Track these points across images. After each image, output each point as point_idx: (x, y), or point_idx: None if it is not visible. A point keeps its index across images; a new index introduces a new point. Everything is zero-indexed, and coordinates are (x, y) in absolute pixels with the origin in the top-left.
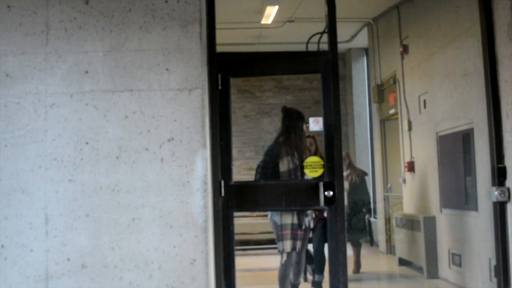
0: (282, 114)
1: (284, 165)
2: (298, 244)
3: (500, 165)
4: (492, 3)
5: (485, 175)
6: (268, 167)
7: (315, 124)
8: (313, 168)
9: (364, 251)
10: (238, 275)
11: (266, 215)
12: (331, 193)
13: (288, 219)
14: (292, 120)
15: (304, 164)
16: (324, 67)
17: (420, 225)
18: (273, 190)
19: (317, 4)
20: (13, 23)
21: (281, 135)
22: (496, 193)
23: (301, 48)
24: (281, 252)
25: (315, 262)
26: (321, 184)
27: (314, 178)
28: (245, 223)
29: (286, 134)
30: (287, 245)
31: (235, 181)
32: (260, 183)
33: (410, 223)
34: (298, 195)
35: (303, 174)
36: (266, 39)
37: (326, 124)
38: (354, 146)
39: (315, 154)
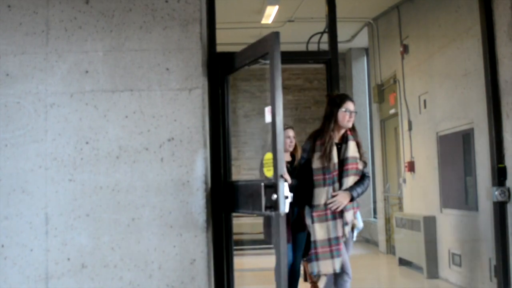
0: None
1: (315, 162)
2: (339, 262)
3: (500, 165)
4: (492, 3)
5: (485, 175)
6: (304, 166)
7: (269, 114)
8: (269, 166)
9: (364, 250)
10: (238, 275)
11: None
12: (275, 196)
13: (323, 232)
14: (328, 107)
15: (264, 161)
16: (271, 46)
17: (420, 225)
18: (243, 191)
19: (317, 4)
20: (14, 23)
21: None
22: (496, 193)
23: (302, 48)
24: (316, 275)
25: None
26: (262, 186)
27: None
28: (245, 223)
29: (322, 124)
30: (327, 266)
31: (234, 180)
32: (236, 183)
33: (410, 223)
34: (254, 198)
35: (341, 173)
36: None
37: (274, 115)
38: None
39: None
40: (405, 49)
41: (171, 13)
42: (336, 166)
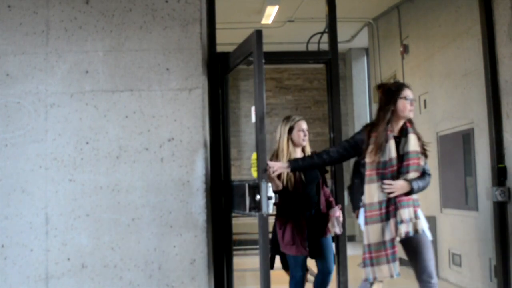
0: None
1: (369, 156)
2: (396, 266)
3: (500, 165)
4: (493, 3)
5: (485, 175)
6: (343, 155)
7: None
8: (255, 166)
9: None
10: (238, 275)
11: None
12: (258, 197)
13: (377, 235)
14: (383, 97)
15: (252, 161)
16: (254, 45)
17: None
18: (237, 191)
19: (317, 4)
20: (14, 23)
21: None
22: (496, 193)
23: (302, 48)
24: (370, 282)
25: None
26: (246, 186)
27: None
28: (246, 223)
29: (376, 116)
30: (383, 272)
31: (232, 180)
32: (232, 183)
33: None
34: (244, 198)
35: (400, 169)
36: (266, 39)
37: (258, 114)
38: None
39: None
40: (405, 49)
41: (171, 13)
42: (394, 161)
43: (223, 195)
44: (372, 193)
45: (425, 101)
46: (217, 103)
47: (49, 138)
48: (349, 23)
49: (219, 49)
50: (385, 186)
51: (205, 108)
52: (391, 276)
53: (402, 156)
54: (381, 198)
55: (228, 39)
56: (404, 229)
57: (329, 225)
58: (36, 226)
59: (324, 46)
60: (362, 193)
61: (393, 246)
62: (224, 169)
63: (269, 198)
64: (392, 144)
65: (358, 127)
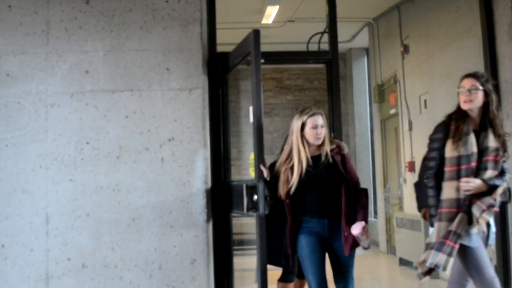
0: None
1: (449, 150)
2: (440, 257)
3: None
4: (493, 3)
5: None
6: (434, 157)
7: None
8: (253, 166)
9: (364, 250)
10: (238, 275)
11: None
12: (255, 197)
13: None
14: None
15: (250, 161)
16: (251, 45)
17: (420, 225)
18: (236, 191)
19: (318, 4)
20: (14, 23)
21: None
22: None
23: (302, 48)
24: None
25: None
26: (244, 186)
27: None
28: (246, 223)
29: (457, 106)
30: (426, 255)
31: (231, 180)
32: (231, 183)
33: (410, 223)
34: (243, 198)
35: (479, 165)
36: (267, 39)
37: (255, 114)
38: (354, 146)
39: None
40: (406, 49)
41: (171, 13)
42: (475, 156)
43: (223, 195)
44: (450, 189)
45: (425, 101)
46: (217, 103)
47: (50, 138)
48: (349, 23)
49: (219, 49)
50: (462, 184)
51: (205, 108)
52: (425, 260)
53: (481, 152)
54: (461, 196)
55: (228, 39)
56: (487, 216)
57: (357, 239)
58: (36, 226)
59: (324, 46)
60: (434, 189)
61: (444, 237)
62: (224, 169)
63: (265, 198)
64: (473, 137)
65: (358, 127)
